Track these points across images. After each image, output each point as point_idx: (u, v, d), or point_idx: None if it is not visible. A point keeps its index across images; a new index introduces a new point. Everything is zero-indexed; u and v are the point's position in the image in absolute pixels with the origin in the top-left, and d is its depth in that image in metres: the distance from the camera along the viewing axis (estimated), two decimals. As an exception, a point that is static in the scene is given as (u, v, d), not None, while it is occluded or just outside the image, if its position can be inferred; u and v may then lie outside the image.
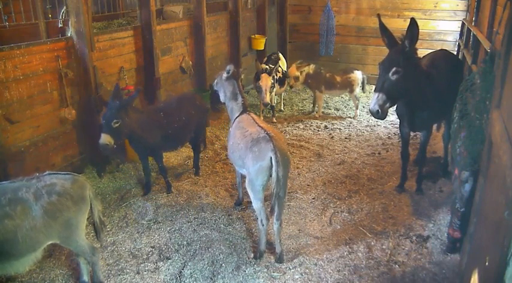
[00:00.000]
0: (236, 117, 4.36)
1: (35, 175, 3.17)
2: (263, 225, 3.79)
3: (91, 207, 3.41)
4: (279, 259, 3.83)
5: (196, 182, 5.37)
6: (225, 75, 4.44)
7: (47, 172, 3.25)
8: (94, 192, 3.50)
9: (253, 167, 3.70)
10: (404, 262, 3.81)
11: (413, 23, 3.92)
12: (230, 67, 4.43)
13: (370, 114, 4.22)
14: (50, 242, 3.14)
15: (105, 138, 4.25)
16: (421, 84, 4.22)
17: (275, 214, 3.75)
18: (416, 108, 4.45)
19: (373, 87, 9.83)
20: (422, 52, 10.10)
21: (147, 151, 4.91)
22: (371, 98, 4.26)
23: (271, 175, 3.63)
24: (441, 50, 5.71)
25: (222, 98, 4.59)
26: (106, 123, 4.27)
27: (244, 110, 4.38)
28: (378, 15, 4.35)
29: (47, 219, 3.01)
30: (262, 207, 3.75)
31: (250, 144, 3.78)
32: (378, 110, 4.03)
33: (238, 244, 4.08)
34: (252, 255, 3.91)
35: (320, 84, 7.55)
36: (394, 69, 3.97)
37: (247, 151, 3.79)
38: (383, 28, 4.19)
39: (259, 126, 3.96)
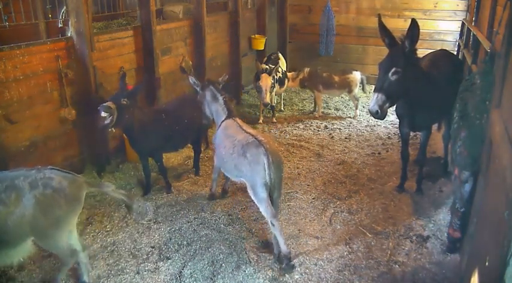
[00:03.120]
0: (222, 121, 4.38)
1: (36, 167, 3.19)
2: (273, 225, 3.69)
3: (107, 193, 3.55)
4: (279, 260, 3.83)
5: (196, 182, 5.37)
6: (198, 89, 4.58)
7: (50, 166, 3.25)
8: (98, 183, 3.57)
9: (251, 172, 3.75)
10: (404, 262, 3.81)
11: (414, 24, 3.93)
12: (192, 79, 4.59)
13: (369, 114, 4.23)
14: (33, 236, 3.11)
15: (110, 103, 4.18)
16: (420, 84, 4.22)
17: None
18: (416, 108, 4.45)
19: (373, 87, 9.81)
20: (422, 52, 10.10)
21: (147, 151, 4.90)
22: (371, 98, 4.26)
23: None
24: (441, 50, 5.70)
25: (207, 112, 4.63)
26: (115, 96, 4.29)
27: (230, 113, 4.39)
28: (378, 15, 4.33)
29: (36, 210, 2.99)
30: (268, 207, 3.69)
31: (242, 150, 3.83)
32: (377, 110, 4.03)
33: (238, 244, 4.08)
34: (252, 255, 3.91)
35: (318, 84, 7.57)
36: (393, 69, 3.97)
37: (241, 159, 3.83)
38: (383, 28, 4.17)
39: (246, 132, 4.01)
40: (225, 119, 4.38)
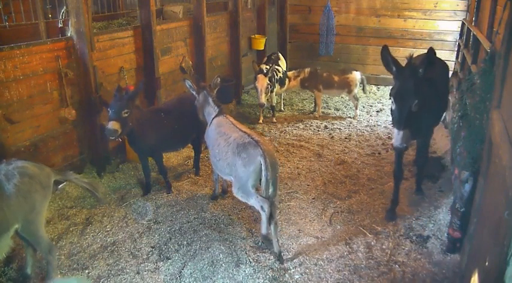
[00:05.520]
0: (213, 118, 4.43)
1: (2, 161, 3.31)
2: (264, 211, 3.72)
3: (71, 181, 3.75)
4: (279, 259, 3.84)
5: (196, 182, 5.37)
6: (193, 92, 4.64)
7: (14, 159, 3.38)
8: (63, 172, 3.74)
9: (244, 173, 3.76)
10: (404, 262, 3.80)
11: (431, 53, 3.69)
12: (188, 83, 4.64)
13: (394, 150, 3.96)
14: (16, 225, 3.16)
15: (114, 125, 4.25)
16: (425, 97, 3.92)
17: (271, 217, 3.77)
18: (416, 117, 4.05)
19: (374, 87, 9.79)
20: (421, 52, 10.05)
21: (147, 151, 4.91)
22: (393, 135, 3.84)
23: (260, 179, 3.71)
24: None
25: (201, 116, 4.69)
26: (116, 111, 4.28)
27: (220, 111, 4.45)
28: (385, 47, 3.81)
29: (19, 197, 3.11)
30: (257, 197, 3.76)
31: (237, 150, 3.84)
32: (405, 146, 3.81)
33: (238, 244, 4.07)
34: (252, 255, 3.91)
35: (318, 84, 7.58)
36: (416, 102, 3.64)
37: (235, 158, 3.84)
38: (389, 58, 3.76)
39: (242, 131, 4.03)
40: (216, 116, 4.43)
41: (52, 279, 3.47)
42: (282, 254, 3.86)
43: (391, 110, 3.89)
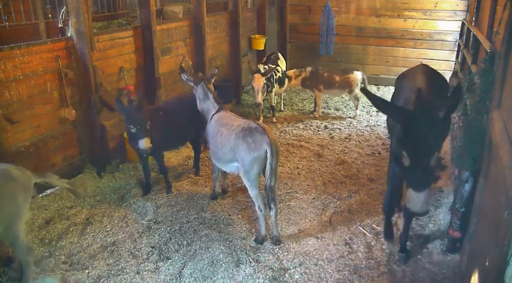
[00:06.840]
0: (213, 115, 4.48)
1: None
2: (261, 210, 3.95)
3: (52, 183, 3.71)
4: (276, 242, 4.00)
5: (196, 182, 5.37)
6: (191, 84, 4.66)
7: None
8: (43, 174, 3.68)
9: (248, 158, 3.81)
10: (404, 262, 3.81)
11: (458, 91, 3.02)
12: (184, 76, 4.68)
13: (418, 215, 3.29)
14: (1, 227, 3.13)
15: (147, 142, 4.34)
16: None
17: (271, 202, 3.90)
18: None
19: (374, 87, 9.80)
20: (421, 52, 10.03)
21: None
22: (412, 198, 2.96)
23: (264, 167, 3.81)
24: (422, 65, 4.40)
25: (199, 107, 4.73)
26: (142, 127, 4.33)
27: (220, 107, 4.49)
28: (364, 90, 3.11)
29: (5, 199, 3.11)
30: (259, 194, 3.92)
31: (242, 134, 3.87)
32: (430, 208, 3.26)
33: (238, 244, 4.08)
34: (252, 255, 3.91)
35: (318, 84, 7.57)
36: (436, 153, 2.90)
37: (239, 142, 3.87)
38: (383, 102, 3.04)
39: (245, 119, 4.13)
40: (216, 112, 4.47)
41: (28, 280, 3.44)
42: (279, 236, 4.05)
43: (400, 162, 3.02)
